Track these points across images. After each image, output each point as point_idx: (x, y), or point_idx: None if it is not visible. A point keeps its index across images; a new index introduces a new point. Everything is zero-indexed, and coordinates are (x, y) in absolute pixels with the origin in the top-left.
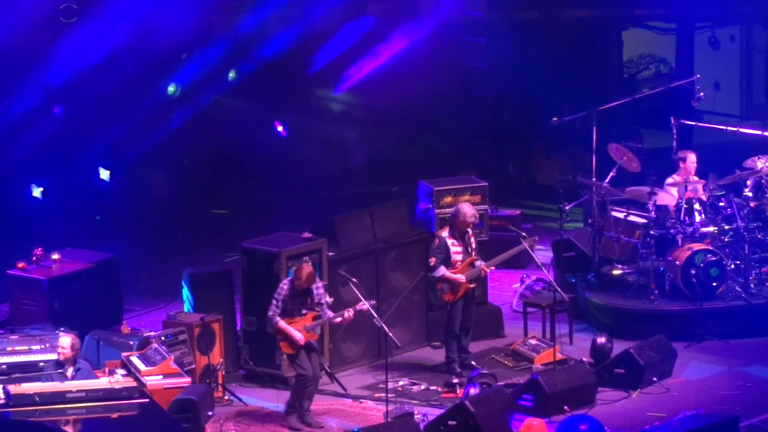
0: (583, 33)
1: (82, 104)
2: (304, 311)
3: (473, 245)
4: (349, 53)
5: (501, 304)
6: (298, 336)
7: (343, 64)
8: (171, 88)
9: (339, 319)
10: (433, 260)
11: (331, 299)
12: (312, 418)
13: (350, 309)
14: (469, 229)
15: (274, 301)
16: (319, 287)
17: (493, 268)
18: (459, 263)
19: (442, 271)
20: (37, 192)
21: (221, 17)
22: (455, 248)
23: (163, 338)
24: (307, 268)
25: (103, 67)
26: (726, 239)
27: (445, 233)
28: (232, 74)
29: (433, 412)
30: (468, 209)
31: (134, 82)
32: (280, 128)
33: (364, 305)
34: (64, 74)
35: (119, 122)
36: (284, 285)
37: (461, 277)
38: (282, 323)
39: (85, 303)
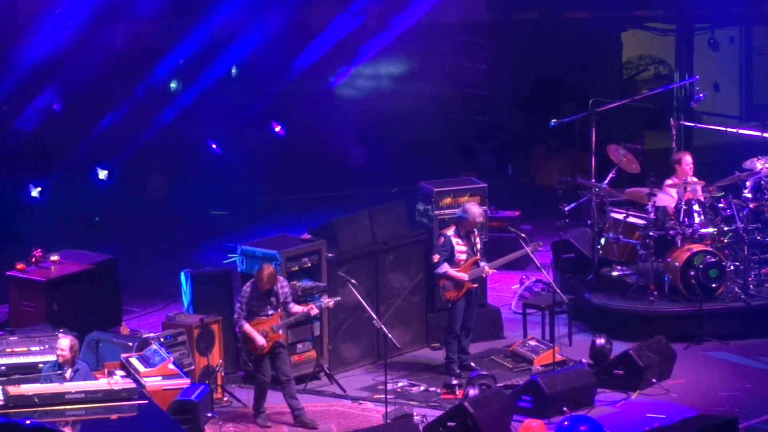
0: (583, 34)
1: (75, 97)
2: (270, 312)
3: (478, 246)
4: (344, 44)
5: (500, 305)
6: (261, 341)
7: (340, 54)
8: (173, 84)
9: (303, 317)
10: (437, 257)
11: (336, 299)
12: (306, 416)
13: (313, 306)
14: (476, 230)
15: (239, 305)
16: (283, 286)
17: (494, 270)
18: (462, 262)
19: (445, 268)
20: (35, 192)
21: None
22: (460, 247)
23: (162, 339)
24: (268, 268)
25: (85, 46)
26: (725, 240)
27: (450, 232)
28: (234, 71)
29: (433, 414)
30: (476, 209)
31: (123, 71)
32: (277, 128)
33: (330, 302)
34: (44, 56)
35: (114, 116)
36: (247, 288)
37: (464, 276)
38: (247, 326)
39: (85, 304)
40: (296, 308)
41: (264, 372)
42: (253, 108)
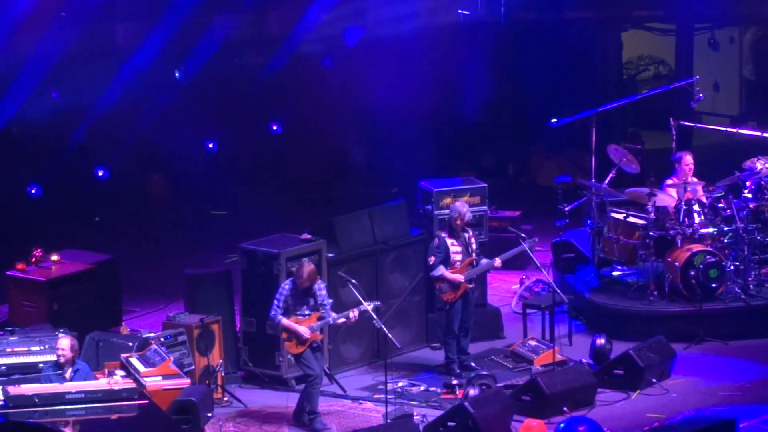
0: (583, 34)
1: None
2: (307, 312)
3: (473, 246)
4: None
5: (500, 305)
6: (303, 330)
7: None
8: (177, 74)
9: (343, 320)
10: (432, 259)
11: (331, 300)
12: (307, 418)
13: (355, 309)
14: (470, 230)
15: (276, 301)
16: (321, 288)
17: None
18: (458, 263)
19: (441, 270)
20: (33, 190)
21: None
22: (455, 248)
23: (162, 339)
24: (309, 266)
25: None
26: (725, 240)
27: (444, 233)
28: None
29: (433, 414)
30: (459, 205)
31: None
32: (275, 127)
33: (370, 305)
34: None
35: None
36: (286, 284)
37: (459, 277)
38: (285, 321)
39: (85, 304)
40: (334, 315)
41: (311, 366)
42: (249, 102)
